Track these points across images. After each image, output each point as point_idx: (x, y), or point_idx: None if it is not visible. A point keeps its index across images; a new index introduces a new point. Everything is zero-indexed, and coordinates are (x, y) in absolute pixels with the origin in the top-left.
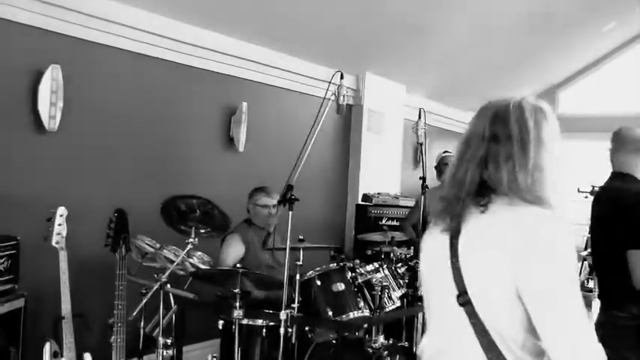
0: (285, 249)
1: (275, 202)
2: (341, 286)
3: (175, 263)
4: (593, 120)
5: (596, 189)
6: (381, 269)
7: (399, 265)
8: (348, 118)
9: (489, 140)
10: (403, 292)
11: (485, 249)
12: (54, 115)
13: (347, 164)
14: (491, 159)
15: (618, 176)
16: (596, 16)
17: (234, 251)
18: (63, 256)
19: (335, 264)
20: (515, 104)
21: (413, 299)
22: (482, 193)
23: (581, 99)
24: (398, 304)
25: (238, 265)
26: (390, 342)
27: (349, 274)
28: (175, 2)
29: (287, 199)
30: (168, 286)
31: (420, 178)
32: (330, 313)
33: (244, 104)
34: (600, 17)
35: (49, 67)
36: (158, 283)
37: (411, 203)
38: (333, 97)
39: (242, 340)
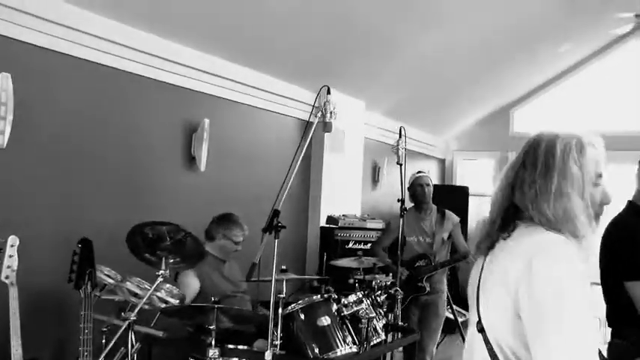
0: (270, 281)
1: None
2: (326, 320)
3: (145, 298)
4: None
5: None
6: (364, 299)
7: (379, 293)
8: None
9: (519, 167)
10: (384, 321)
11: (493, 282)
12: (2, 129)
13: (307, 184)
14: (517, 185)
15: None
16: (553, 36)
17: (190, 288)
18: (13, 293)
19: (319, 295)
20: (552, 134)
21: (394, 328)
22: (511, 219)
23: (535, 118)
24: (382, 335)
25: (214, 299)
26: None
27: (334, 307)
28: (134, 9)
29: (273, 227)
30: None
31: (399, 200)
32: (317, 351)
33: (206, 120)
34: (558, 37)
35: None
36: (126, 322)
37: (378, 225)
38: (319, 115)
39: None
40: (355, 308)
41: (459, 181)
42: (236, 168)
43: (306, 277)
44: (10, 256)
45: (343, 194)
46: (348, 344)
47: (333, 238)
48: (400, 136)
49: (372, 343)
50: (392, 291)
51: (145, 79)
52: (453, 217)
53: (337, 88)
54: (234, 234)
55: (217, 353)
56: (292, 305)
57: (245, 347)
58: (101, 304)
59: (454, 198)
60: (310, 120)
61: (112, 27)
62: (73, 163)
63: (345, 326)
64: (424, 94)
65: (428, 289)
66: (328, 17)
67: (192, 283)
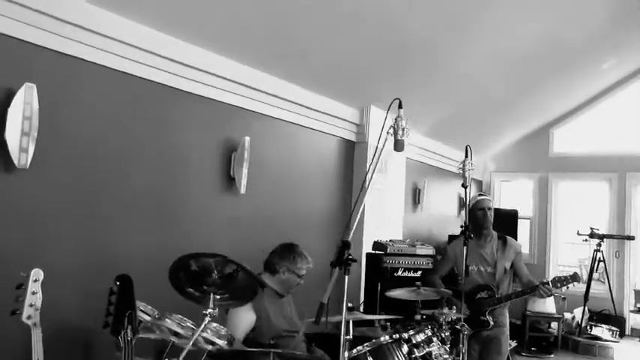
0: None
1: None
2: None
3: (191, 341)
4: (586, 159)
5: (596, 231)
6: (433, 337)
7: (444, 328)
8: (351, 156)
9: None
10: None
11: None
12: (26, 147)
13: (348, 207)
14: None
15: None
16: (599, 50)
17: (244, 322)
18: (37, 336)
19: (387, 336)
20: None
21: None
22: None
23: (576, 138)
24: None
25: (271, 341)
26: None
27: (405, 348)
28: (171, 17)
29: (344, 261)
30: None
31: (462, 226)
32: None
33: (247, 139)
34: (603, 51)
35: (22, 85)
36: None
37: (428, 252)
38: (390, 131)
39: None
40: (428, 349)
41: (496, 204)
42: (277, 190)
43: (380, 316)
44: (34, 293)
45: (385, 218)
46: None
47: (381, 266)
48: (466, 156)
49: None
50: (458, 326)
51: (181, 92)
52: (515, 245)
53: (378, 105)
54: (298, 267)
55: None
56: (358, 348)
57: None
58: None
59: (500, 222)
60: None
61: (146, 34)
62: (102, 185)
63: None
64: (464, 113)
65: (492, 323)
66: (370, 30)
67: (246, 317)
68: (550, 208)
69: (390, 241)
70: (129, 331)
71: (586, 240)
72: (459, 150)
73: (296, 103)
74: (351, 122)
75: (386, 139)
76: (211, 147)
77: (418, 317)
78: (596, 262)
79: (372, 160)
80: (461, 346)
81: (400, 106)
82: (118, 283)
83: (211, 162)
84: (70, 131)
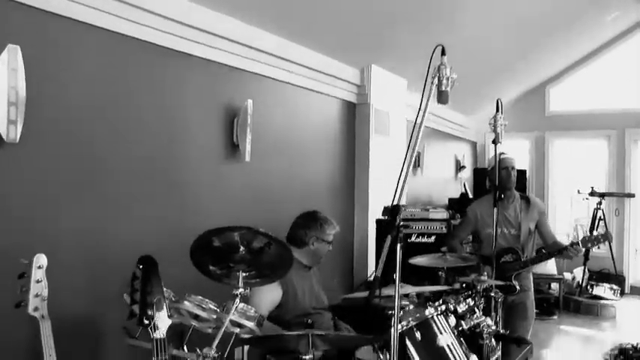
0: (393, 297)
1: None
2: (448, 339)
3: (223, 327)
4: (584, 116)
5: (596, 190)
6: (475, 307)
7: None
8: (352, 118)
9: None
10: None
11: None
12: (14, 119)
13: (351, 172)
14: None
15: None
16: (601, 3)
17: (269, 299)
18: (46, 329)
19: (432, 309)
20: None
21: (506, 340)
22: None
23: (572, 95)
24: (498, 351)
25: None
26: None
27: (452, 321)
28: None
29: (396, 227)
30: None
31: (490, 186)
32: None
33: (249, 102)
34: (605, 4)
35: (5, 47)
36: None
37: (442, 216)
38: (435, 81)
39: None
40: (475, 321)
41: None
42: (282, 157)
43: (436, 287)
44: (38, 282)
45: (387, 182)
46: None
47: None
48: (497, 110)
49: None
50: (492, 294)
51: (179, 53)
52: (539, 205)
53: (379, 64)
54: (327, 233)
55: None
56: (403, 323)
57: None
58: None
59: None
60: (358, 102)
61: None
62: (101, 158)
63: (461, 344)
64: (463, 74)
65: (518, 288)
66: None
67: (272, 293)
68: (547, 167)
69: (402, 205)
70: (159, 321)
71: (587, 199)
72: (455, 112)
73: (296, 63)
74: (351, 83)
75: (425, 97)
76: (213, 113)
77: (457, 285)
78: (597, 221)
79: (417, 117)
80: (494, 314)
81: (443, 53)
82: (141, 266)
83: (214, 129)
84: (61, 99)
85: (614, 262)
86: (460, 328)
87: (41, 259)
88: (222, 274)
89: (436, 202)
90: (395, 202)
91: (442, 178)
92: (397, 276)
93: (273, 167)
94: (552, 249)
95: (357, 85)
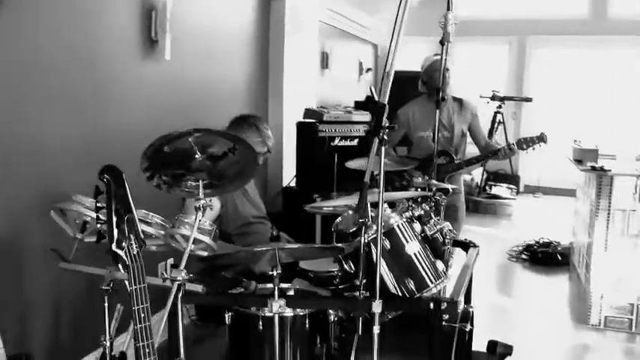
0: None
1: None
2: (415, 247)
3: (190, 243)
4: (486, 23)
5: (497, 94)
6: (431, 212)
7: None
8: (266, 16)
9: None
10: None
11: None
12: None
13: (265, 73)
14: None
15: None
16: None
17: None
18: None
19: (398, 215)
20: None
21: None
22: None
23: (475, 0)
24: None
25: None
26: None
27: (417, 227)
28: None
29: (382, 128)
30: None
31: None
32: (412, 287)
33: None
34: None
35: None
36: (175, 283)
37: (365, 118)
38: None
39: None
40: (438, 227)
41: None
42: (200, 56)
43: (406, 193)
44: None
45: (300, 83)
46: (440, 277)
47: (317, 136)
48: (448, 9)
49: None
50: (438, 197)
51: None
52: (471, 106)
53: None
54: (266, 135)
55: (284, 304)
56: (371, 231)
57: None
58: (91, 251)
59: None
60: None
61: None
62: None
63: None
64: None
65: (451, 190)
66: None
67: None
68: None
69: (323, 107)
70: (134, 244)
71: (487, 102)
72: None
73: None
74: None
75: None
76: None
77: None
78: (497, 124)
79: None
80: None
81: None
82: (105, 178)
83: (128, 21)
84: None
85: (510, 163)
86: (424, 234)
87: None
88: (174, 184)
89: (344, 104)
90: (382, 101)
91: (347, 80)
92: (381, 184)
93: (194, 66)
94: (486, 151)
95: None
